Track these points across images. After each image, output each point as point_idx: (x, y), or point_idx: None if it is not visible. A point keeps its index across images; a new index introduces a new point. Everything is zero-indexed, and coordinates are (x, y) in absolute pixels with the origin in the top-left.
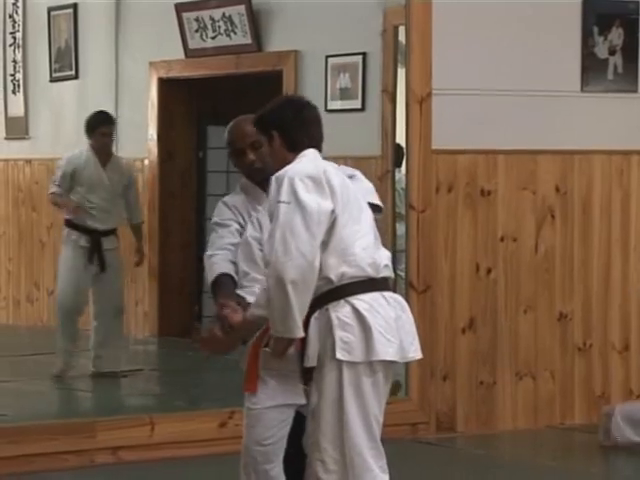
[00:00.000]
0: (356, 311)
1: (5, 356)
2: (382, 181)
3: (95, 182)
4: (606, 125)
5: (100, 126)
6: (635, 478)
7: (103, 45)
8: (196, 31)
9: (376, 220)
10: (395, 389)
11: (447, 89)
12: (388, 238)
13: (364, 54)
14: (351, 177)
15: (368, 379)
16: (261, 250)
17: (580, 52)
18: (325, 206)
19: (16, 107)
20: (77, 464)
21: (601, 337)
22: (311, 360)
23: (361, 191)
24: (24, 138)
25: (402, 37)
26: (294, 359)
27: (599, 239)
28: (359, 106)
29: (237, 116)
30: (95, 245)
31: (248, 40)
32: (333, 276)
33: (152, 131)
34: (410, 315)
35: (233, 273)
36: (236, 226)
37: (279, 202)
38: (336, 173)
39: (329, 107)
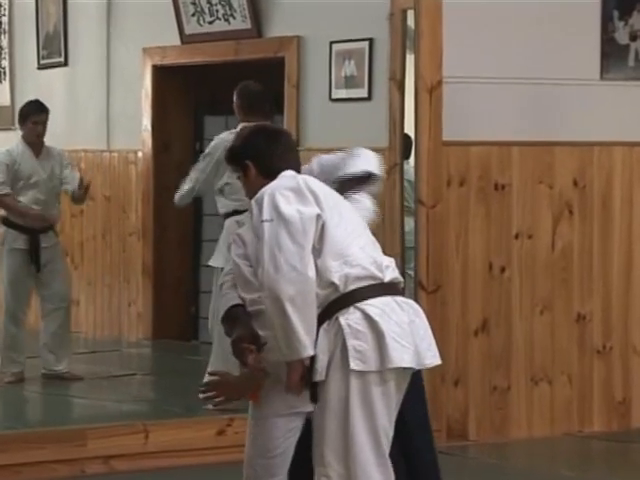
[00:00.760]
0: (367, 317)
1: None
2: (390, 174)
3: (32, 176)
4: (627, 115)
5: (31, 115)
6: None
7: (94, 30)
8: (192, 15)
9: (378, 216)
10: None
11: (459, 77)
12: (396, 235)
13: (370, 40)
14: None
15: (378, 388)
16: (249, 266)
17: (599, 38)
18: (308, 212)
19: (2, 96)
20: (67, 474)
21: (622, 339)
22: (320, 374)
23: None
24: (10, 129)
25: (411, 21)
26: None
27: (619, 235)
28: (365, 95)
29: None
30: (33, 246)
31: (248, 25)
32: (336, 280)
33: (146, 122)
34: (425, 320)
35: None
36: None
37: (262, 222)
38: (318, 182)
39: (333, 96)
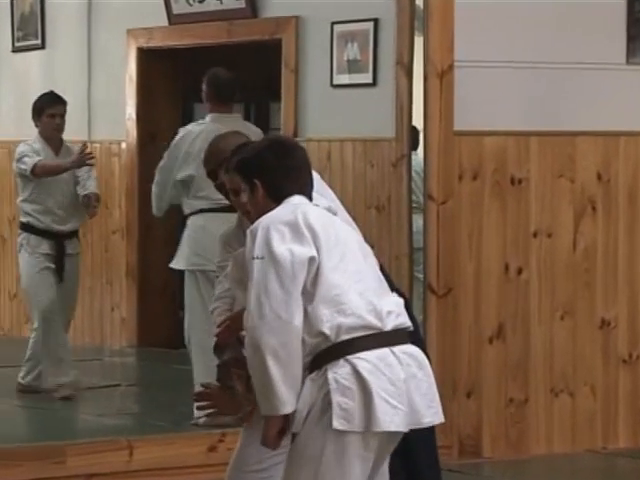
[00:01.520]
0: (357, 373)
1: None
2: (396, 167)
3: (51, 180)
4: None
5: (46, 108)
6: None
7: (74, 10)
8: None
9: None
10: None
11: (472, 61)
12: (403, 234)
13: (375, 20)
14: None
15: (357, 451)
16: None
17: (625, 19)
18: (301, 254)
19: None
20: None
21: None
22: (296, 425)
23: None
24: None
25: (419, 0)
26: None
27: None
28: (370, 80)
29: None
30: (59, 251)
31: (242, 4)
32: (327, 330)
33: (130, 110)
34: (430, 373)
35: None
36: None
37: (253, 258)
38: (321, 215)
39: (335, 82)
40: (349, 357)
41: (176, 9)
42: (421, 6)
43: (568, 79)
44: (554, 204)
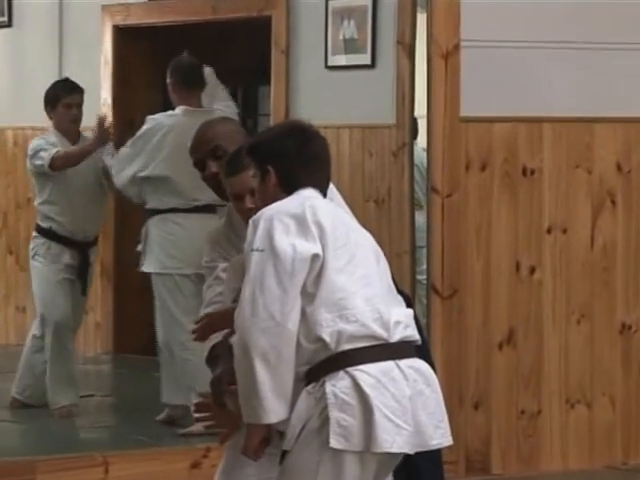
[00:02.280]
0: (357, 387)
1: None
2: (397, 157)
3: (71, 174)
4: None
5: (61, 97)
6: None
7: None
8: None
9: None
10: None
11: (479, 40)
12: (404, 230)
13: None
14: None
15: (354, 472)
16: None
17: None
18: (304, 250)
19: None
20: None
21: None
22: (287, 443)
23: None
24: None
25: None
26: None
27: None
28: (368, 62)
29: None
30: (83, 261)
31: None
32: (327, 336)
33: (106, 94)
34: (438, 390)
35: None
36: (222, 266)
37: (252, 250)
38: (331, 211)
39: (330, 63)
40: (350, 369)
41: None
42: None
43: (586, 60)
44: (569, 197)
